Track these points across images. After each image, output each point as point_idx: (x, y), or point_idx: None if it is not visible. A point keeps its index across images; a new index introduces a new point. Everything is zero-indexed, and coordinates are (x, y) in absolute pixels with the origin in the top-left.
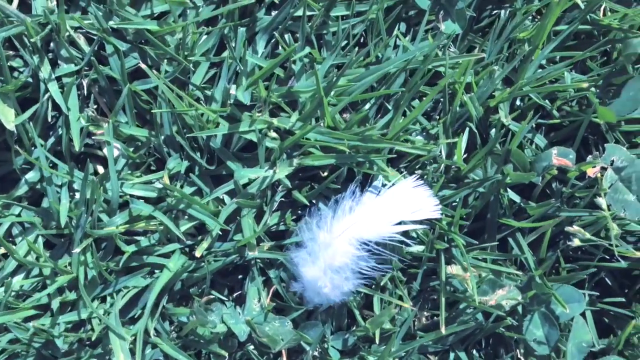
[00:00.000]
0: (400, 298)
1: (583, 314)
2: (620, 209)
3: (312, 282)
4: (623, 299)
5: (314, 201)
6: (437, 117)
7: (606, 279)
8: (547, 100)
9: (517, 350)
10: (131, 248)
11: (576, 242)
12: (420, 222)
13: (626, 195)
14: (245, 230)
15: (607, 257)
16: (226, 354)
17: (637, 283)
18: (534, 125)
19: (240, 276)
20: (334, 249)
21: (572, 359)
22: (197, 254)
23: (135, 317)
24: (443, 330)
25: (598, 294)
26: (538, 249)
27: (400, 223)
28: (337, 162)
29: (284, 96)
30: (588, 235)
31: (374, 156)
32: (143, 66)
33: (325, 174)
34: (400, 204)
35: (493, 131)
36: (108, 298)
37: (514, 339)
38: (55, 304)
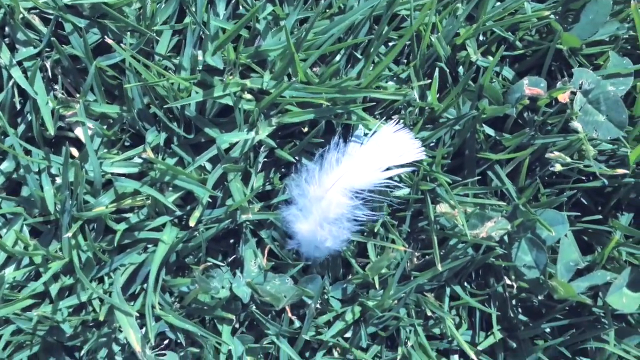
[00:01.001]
0: (393, 242)
1: (566, 235)
2: (591, 130)
3: (309, 237)
4: (600, 216)
5: (296, 158)
6: (405, 61)
7: (582, 200)
8: (509, 33)
9: (506, 278)
10: (122, 226)
11: (558, 167)
12: (407, 165)
13: (596, 116)
14: (235, 194)
15: (582, 177)
16: (233, 317)
17: (611, 200)
18: (499, 59)
19: (232, 240)
20: (328, 201)
21: (562, 278)
22: (191, 223)
23: (135, 293)
24: (439, 267)
25: (579, 213)
26: (517, 178)
27: (388, 169)
28: (316, 117)
29: (252, 56)
30: (568, 160)
31: (352, 106)
32: (109, 41)
33: (306, 129)
34: (386, 150)
35: (461, 69)
36: (105, 278)
37: (503, 267)
38: (53, 290)
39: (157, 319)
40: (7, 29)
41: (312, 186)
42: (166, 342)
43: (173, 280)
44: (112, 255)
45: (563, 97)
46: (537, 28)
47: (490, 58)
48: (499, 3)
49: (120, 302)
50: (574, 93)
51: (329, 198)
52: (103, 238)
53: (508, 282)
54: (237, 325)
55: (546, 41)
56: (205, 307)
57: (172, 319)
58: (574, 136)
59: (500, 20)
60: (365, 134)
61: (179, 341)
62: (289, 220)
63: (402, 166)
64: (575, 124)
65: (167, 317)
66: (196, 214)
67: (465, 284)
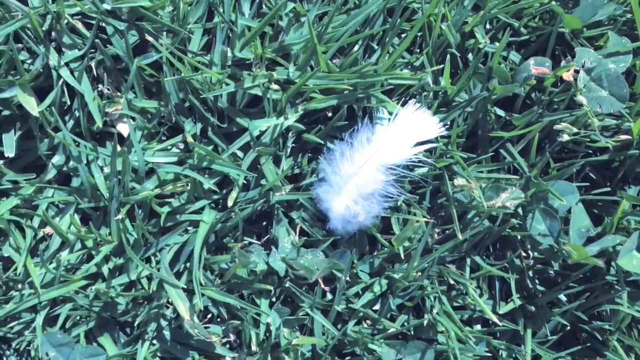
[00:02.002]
0: (415, 216)
1: (577, 204)
2: (595, 105)
3: (342, 212)
4: (609, 189)
5: (322, 143)
6: (418, 51)
7: (591, 174)
8: (514, 19)
9: (521, 250)
10: (165, 209)
11: (565, 138)
12: (431, 141)
13: (599, 92)
14: (268, 175)
15: (590, 152)
16: (271, 287)
17: (619, 173)
18: (506, 44)
19: (265, 223)
20: (363, 176)
21: (575, 242)
22: (230, 203)
23: (180, 271)
24: (459, 236)
25: (588, 184)
26: (528, 155)
27: (416, 145)
28: (339, 102)
29: (277, 51)
30: (575, 129)
31: (372, 90)
32: (149, 38)
33: (330, 114)
34: (410, 128)
35: (470, 56)
36: (152, 258)
37: (519, 238)
38: (105, 270)
39: (201, 295)
40: (53, 33)
41: (344, 163)
42: (209, 316)
43: (214, 258)
44: (157, 237)
45: (567, 76)
46: (540, 14)
47: (498, 44)
48: None
49: (168, 275)
50: (577, 72)
51: (363, 174)
52: (149, 222)
53: (524, 253)
54: (273, 299)
55: (549, 26)
56: (244, 282)
57: (214, 293)
58: (580, 111)
59: (505, 7)
60: (388, 118)
61: (221, 316)
62: (322, 198)
63: (427, 142)
64: (580, 98)
65: (210, 293)
66: (233, 194)
67: (485, 257)
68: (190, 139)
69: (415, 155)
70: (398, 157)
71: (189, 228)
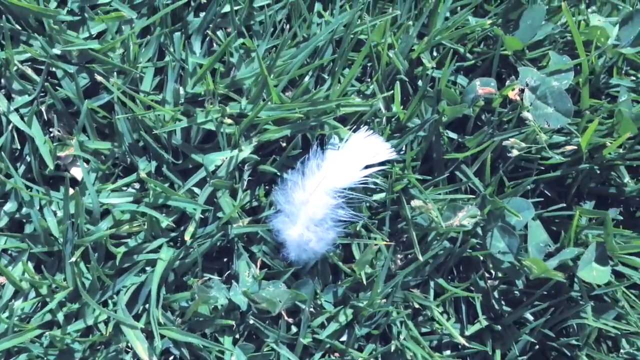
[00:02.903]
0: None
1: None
2: (543, 122)
3: (296, 240)
4: (564, 204)
5: (278, 174)
6: (368, 80)
7: (546, 192)
8: (459, 44)
9: (484, 270)
10: (122, 249)
11: (515, 153)
12: (381, 164)
13: (545, 109)
14: (225, 208)
15: (543, 169)
16: (233, 322)
17: (572, 188)
18: (454, 69)
19: (225, 259)
20: (313, 202)
21: (535, 257)
22: (187, 237)
23: (138, 313)
24: (420, 257)
25: (543, 199)
26: (482, 175)
27: (365, 168)
28: (292, 131)
29: (229, 86)
30: (523, 145)
31: (324, 117)
32: (100, 78)
33: (284, 144)
34: (360, 152)
35: (420, 83)
36: (109, 302)
37: (481, 259)
38: (60, 316)
39: (161, 336)
40: (2, 80)
41: (296, 192)
42: (171, 359)
43: (173, 296)
44: (114, 279)
45: (513, 95)
46: (483, 39)
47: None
48: (446, 21)
49: (125, 316)
50: (522, 90)
51: (313, 200)
52: (105, 264)
53: (487, 274)
54: (236, 337)
55: (493, 50)
56: (206, 320)
57: (175, 334)
58: (529, 128)
59: (449, 34)
60: (338, 144)
61: (183, 357)
62: (278, 228)
63: (376, 165)
64: (526, 114)
65: (170, 333)
66: (190, 229)
67: (448, 279)
68: (144, 175)
69: (366, 178)
70: (347, 180)
71: (147, 268)
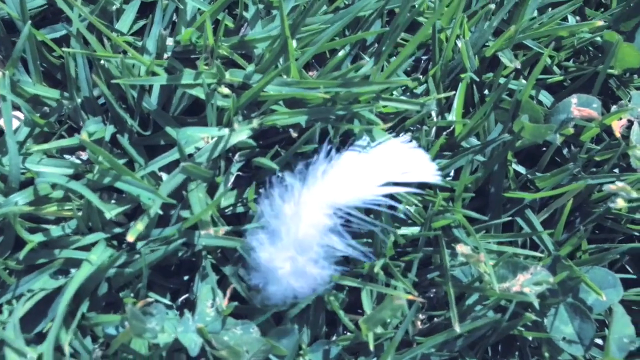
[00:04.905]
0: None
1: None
2: None
3: (268, 265)
4: None
5: (279, 174)
6: (420, 76)
7: (627, 266)
8: (546, 48)
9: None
10: (37, 237)
11: (619, 204)
12: (414, 185)
13: None
14: (195, 205)
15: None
16: None
17: None
18: (534, 82)
19: (186, 277)
20: (299, 217)
21: (614, 357)
22: (130, 237)
23: (44, 331)
24: (457, 328)
25: (635, 276)
26: (551, 228)
27: (391, 185)
28: (309, 119)
29: (235, 47)
30: (635, 194)
31: (356, 107)
32: (62, 6)
33: (295, 135)
34: (389, 164)
35: (486, 92)
36: (3, 309)
37: (530, 341)
38: None
39: None
40: None
41: (288, 204)
42: None
43: (97, 317)
44: (20, 277)
45: (618, 127)
46: (577, 52)
47: (524, 81)
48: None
49: (15, 337)
50: (631, 123)
51: (301, 214)
52: (12, 254)
53: None
54: None
55: (591, 66)
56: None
57: None
58: (632, 175)
59: (538, 32)
60: (369, 145)
61: None
62: (254, 247)
63: (406, 184)
64: (638, 153)
65: None
66: (139, 225)
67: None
68: (85, 138)
69: (385, 197)
70: (357, 196)
71: (72, 270)
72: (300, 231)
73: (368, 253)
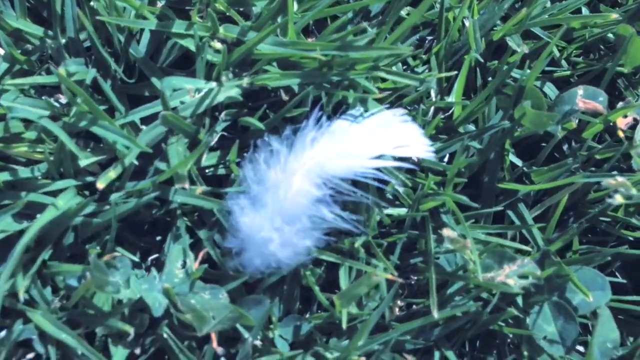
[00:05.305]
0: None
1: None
2: None
3: (253, 235)
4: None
5: (266, 137)
6: (423, 56)
7: (616, 273)
8: (553, 37)
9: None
10: (4, 176)
11: (618, 200)
12: (405, 160)
13: None
14: (173, 159)
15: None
16: (131, 330)
17: None
18: (539, 74)
19: (159, 238)
20: (287, 186)
21: None
22: (100, 184)
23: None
24: (435, 314)
25: (625, 281)
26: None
27: (379, 158)
28: (302, 82)
29: (233, 3)
30: (634, 191)
31: (353, 73)
32: None
33: (287, 98)
34: (382, 136)
35: (490, 79)
36: None
37: (510, 337)
38: None
39: (26, 320)
40: None
41: (273, 170)
42: (30, 357)
43: (59, 266)
44: None
45: (623, 124)
46: (587, 49)
47: (529, 71)
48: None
49: None
50: (636, 122)
51: (289, 182)
52: None
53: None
54: (136, 352)
55: (600, 63)
56: (97, 315)
57: (44, 321)
58: (634, 176)
59: (549, 19)
60: (362, 115)
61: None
62: (235, 211)
63: (397, 159)
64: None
65: (38, 319)
66: (111, 173)
67: (457, 354)
68: (62, 72)
69: (376, 171)
70: (345, 166)
71: (38, 215)
72: (288, 200)
73: (359, 226)
